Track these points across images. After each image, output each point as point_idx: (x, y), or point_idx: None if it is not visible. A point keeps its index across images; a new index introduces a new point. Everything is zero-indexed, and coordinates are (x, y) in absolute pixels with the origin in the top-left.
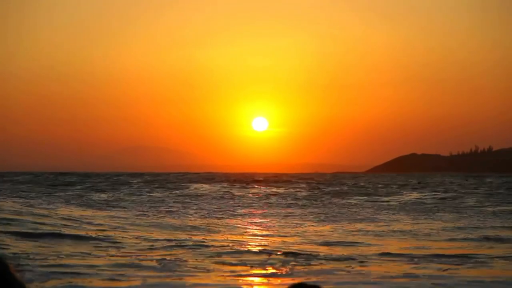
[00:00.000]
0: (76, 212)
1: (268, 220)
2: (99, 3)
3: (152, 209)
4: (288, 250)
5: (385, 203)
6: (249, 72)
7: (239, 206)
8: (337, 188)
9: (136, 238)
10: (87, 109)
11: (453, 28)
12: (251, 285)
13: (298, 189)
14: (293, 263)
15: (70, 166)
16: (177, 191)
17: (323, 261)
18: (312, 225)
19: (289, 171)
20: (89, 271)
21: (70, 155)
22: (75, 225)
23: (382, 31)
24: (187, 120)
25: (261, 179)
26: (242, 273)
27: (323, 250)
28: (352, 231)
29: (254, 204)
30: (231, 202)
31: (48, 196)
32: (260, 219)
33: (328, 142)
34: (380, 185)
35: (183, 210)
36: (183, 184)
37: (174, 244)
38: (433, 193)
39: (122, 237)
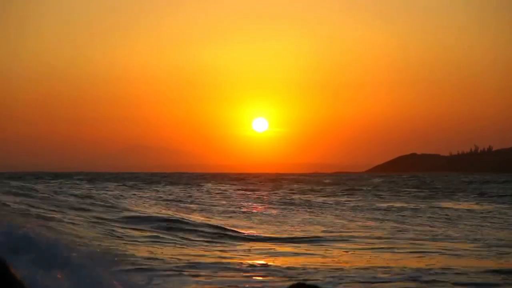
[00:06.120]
0: None
1: None
2: (103, 3)
3: None
4: None
5: None
6: (249, 72)
7: None
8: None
9: None
10: (88, 108)
11: (450, 26)
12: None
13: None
14: None
15: (70, 165)
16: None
17: None
18: None
19: (289, 171)
20: None
21: (71, 154)
22: None
23: (380, 31)
24: (188, 119)
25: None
26: None
27: None
28: None
29: None
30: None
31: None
32: None
33: (328, 142)
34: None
35: None
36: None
37: None
38: None
39: None
